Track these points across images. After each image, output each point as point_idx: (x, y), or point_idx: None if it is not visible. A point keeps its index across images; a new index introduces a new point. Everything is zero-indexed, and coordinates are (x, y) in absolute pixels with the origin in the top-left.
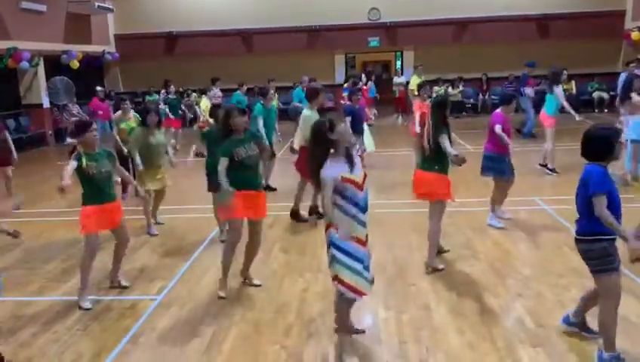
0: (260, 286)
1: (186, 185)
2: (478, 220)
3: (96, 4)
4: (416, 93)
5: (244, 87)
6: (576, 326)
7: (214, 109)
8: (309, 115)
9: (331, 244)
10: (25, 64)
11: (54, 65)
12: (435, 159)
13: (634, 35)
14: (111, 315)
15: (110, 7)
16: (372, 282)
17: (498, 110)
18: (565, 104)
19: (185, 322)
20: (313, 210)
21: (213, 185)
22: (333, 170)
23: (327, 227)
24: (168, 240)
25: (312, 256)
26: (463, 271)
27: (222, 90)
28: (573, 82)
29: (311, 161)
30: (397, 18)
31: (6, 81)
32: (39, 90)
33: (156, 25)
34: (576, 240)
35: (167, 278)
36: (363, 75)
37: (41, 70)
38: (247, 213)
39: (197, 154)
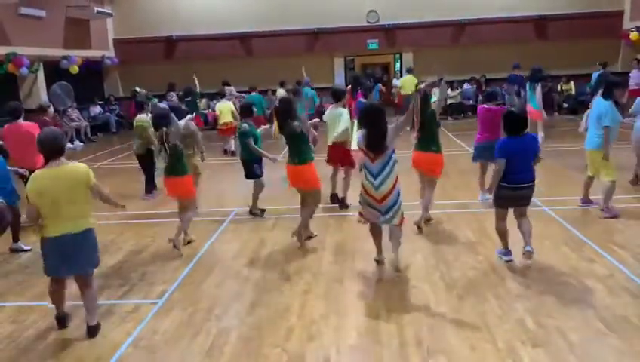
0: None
1: None
2: (478, 221)
3: (96, 9)
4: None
5: (258, 90)
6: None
7: (248, 106)
8: (336, 113)
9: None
10: (24, 70)
11: (54, 70)
12: (430, 141)
13: (632, 35)
14: (112, 319)
15: (109, 11)
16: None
17: (492, 105)
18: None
19: (186, 325)
20: (337, 198)
21: (251, 174)
22: None
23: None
24: (169, 244)
25: (313, 258)
26: (464, 272)
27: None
28: (572, 83)
29: (376, 134)
30: (395, 20)
31: (6, 86)
32: (39, 96)
33: (156, 29)
34: (531, 186)
35: (168, 282)
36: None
37: (40, 75)
38: None
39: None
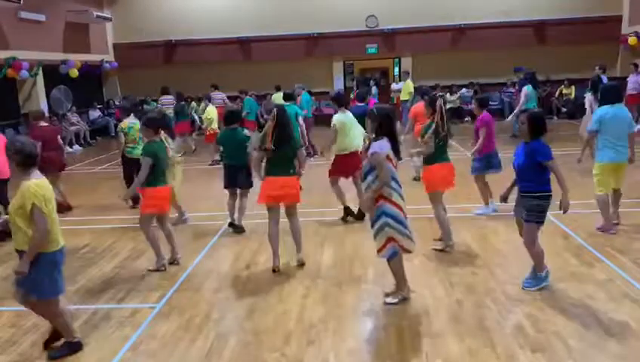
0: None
1: (185, 192)
2: (478, 226)
3: (95, 13)
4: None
5: (254, 94)
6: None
7: (232, 114)
8: (342, 119)
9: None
10: (24, 74)
11: (53, 74)
12: (445, 150)
13: (631, 40)
14: (110, 324)
15: (109, 16)
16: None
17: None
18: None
19: (185, 330)
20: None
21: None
22: None
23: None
24: (168, 248)
25: (312, 263)
26: (463, 277)
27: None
28: (572, 87)
29: (397, 139)
30: (395, 25)
31: (5, 90)
32: (38, 100)
33: (155, 33)
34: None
35: (166, 286)
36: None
37: (40, 79)
38: None
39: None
